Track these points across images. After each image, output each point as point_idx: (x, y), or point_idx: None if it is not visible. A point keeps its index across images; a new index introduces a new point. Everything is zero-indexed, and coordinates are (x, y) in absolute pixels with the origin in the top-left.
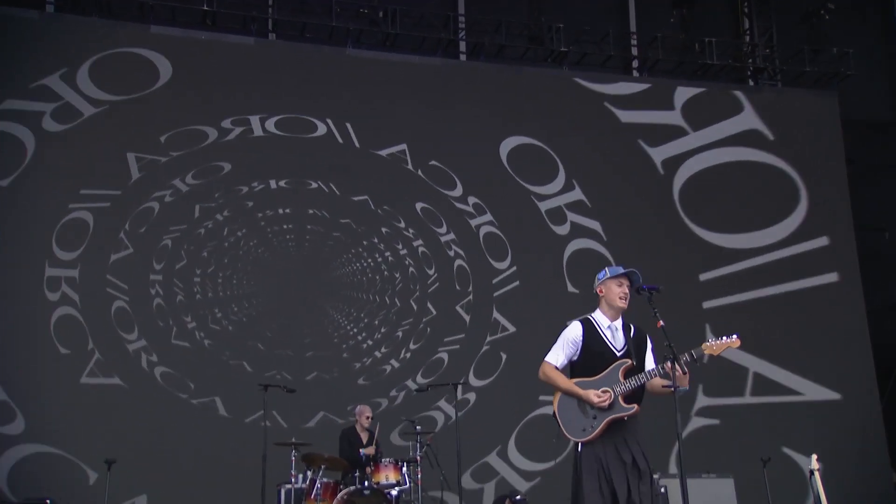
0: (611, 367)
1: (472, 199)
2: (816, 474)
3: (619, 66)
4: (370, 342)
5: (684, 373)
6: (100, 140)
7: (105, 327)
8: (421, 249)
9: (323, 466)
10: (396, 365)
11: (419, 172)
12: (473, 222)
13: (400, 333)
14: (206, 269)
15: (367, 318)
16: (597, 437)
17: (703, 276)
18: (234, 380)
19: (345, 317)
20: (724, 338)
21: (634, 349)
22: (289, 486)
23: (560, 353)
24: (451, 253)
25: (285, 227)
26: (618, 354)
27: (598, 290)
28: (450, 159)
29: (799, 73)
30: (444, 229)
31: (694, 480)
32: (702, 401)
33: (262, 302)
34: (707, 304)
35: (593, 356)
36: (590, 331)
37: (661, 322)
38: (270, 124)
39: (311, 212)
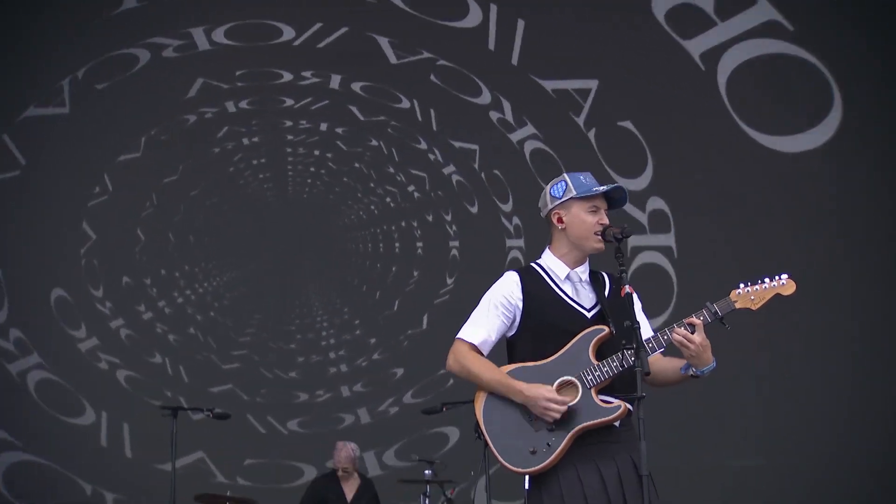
0: (574, 340)
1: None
2: None
3: None
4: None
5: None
6: None
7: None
8: (455, 178)
9: None
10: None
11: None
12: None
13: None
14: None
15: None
16: (557, 462)
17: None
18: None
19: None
20: (767, 280)
21: (612, 310)
22: None
23: (484, 324)
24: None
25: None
26: (587, 318)
27: (552, 218)
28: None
29: None
30: (473, 146)
31: None
32: None
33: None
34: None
35: (543, 326)
36: (534, 284)
37: (629, 287)
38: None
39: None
